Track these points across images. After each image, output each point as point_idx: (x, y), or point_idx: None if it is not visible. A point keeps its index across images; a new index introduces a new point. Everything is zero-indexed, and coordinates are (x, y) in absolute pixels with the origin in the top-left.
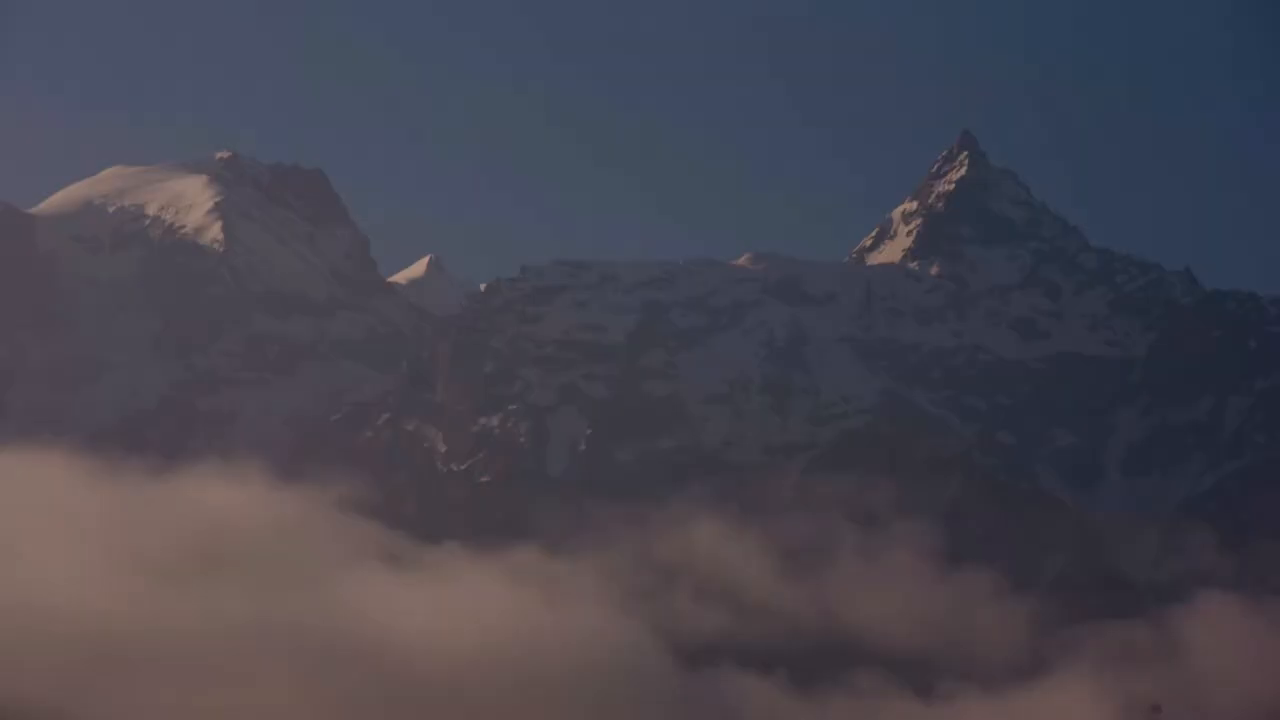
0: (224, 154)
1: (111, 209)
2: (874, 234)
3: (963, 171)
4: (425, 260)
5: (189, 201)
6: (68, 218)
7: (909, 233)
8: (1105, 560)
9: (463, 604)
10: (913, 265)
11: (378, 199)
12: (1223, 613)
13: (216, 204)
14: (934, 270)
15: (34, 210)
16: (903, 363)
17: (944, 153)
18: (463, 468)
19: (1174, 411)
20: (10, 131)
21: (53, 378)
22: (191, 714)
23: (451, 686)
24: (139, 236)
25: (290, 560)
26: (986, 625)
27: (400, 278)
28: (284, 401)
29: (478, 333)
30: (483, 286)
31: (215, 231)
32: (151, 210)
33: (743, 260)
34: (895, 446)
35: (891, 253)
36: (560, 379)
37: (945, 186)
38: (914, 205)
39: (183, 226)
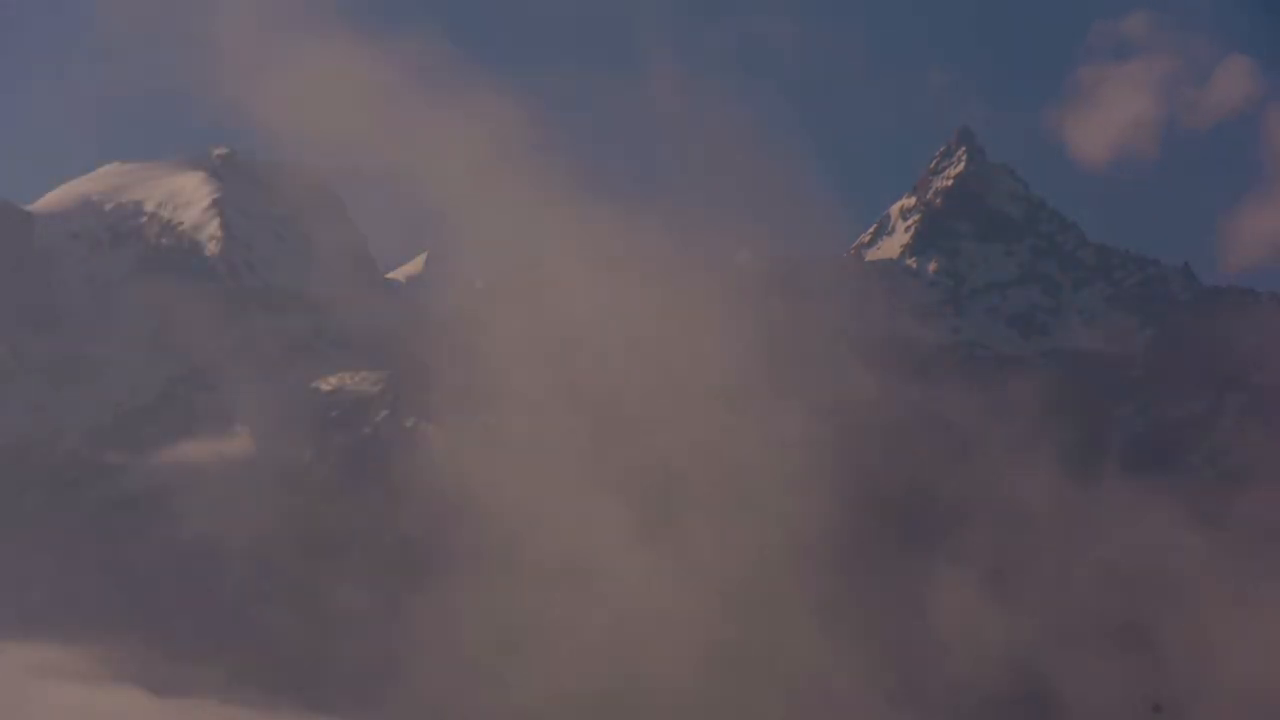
0: (221, 150)
1: (109, 206)
2: (872, 230)
3: (961, 167)
4: (423, 257)
5: (186, 198)
6: (65, 215)
7: (907, 228)
8: None
9: None
10: (911, 261)
11: (376, 196)
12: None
13: (214, 200)
14: (932, 266)
15: (32, 207)
16: (901, 359)
17: (942, 149)
18: None
19: (1172, 407)
20: (9, 129)
21: (51, 374)
22: None
23: None
24: (136, 233)
25: None
26: None
27: (398, 274)
28: (282, 398)
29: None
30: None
31: (213, 228)
32: (149, 207)
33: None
34: None
35: (890, 248)
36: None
37: (943, 182)
38: (912, 201)
39: (180, 223)
